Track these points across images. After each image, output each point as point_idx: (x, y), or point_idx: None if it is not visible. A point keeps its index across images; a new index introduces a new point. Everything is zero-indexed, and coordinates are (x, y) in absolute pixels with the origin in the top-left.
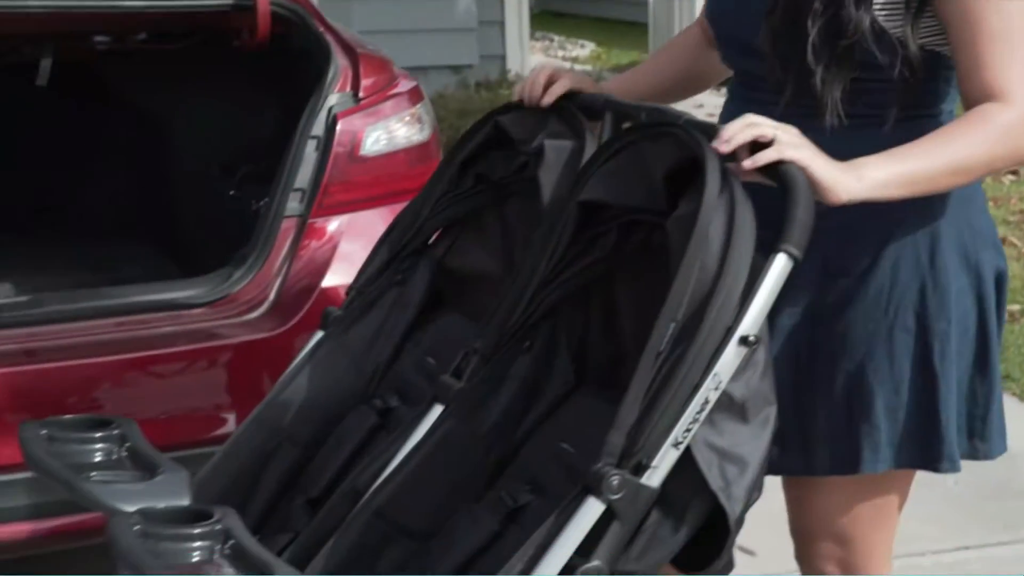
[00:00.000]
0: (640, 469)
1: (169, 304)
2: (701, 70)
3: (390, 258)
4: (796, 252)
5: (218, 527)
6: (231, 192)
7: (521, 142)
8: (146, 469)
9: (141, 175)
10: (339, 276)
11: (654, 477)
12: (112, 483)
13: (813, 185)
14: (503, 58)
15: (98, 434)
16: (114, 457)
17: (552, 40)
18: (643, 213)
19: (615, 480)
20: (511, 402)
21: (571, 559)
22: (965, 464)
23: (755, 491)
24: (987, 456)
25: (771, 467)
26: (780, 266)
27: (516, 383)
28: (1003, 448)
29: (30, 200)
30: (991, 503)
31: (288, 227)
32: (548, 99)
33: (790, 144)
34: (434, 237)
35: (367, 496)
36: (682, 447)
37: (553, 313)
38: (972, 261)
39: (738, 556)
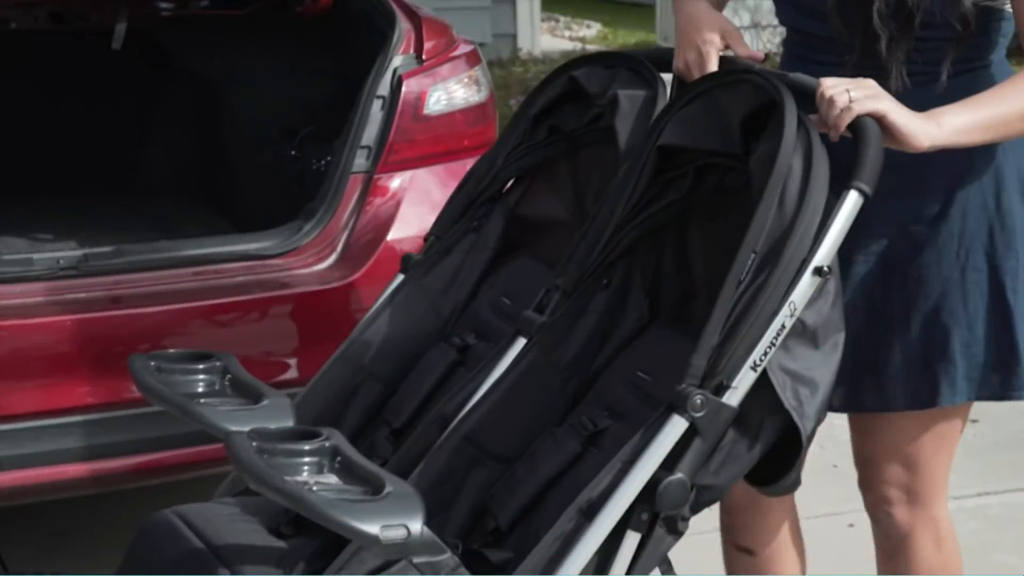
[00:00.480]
0: (721, 389)
1: (243, 255)
2: None
3: (466, 206)
4: (867, 189)
5: (327, 444)
6: (292, 153)
7: (596, 96)
8: (249, 396)
9: (202, 138)
10: (403, 229)
11: (734, 397)
12: (223, 408)
13: (895, 133)
14: (514, 36)
15: (202, 366)
16: (217, 387)
17: (558, 20)
18: (719, 156)
19: (698, 399)
20: (590, 335)
21: (655, 473)
22: (982, 416)
23: (823, 412)
24: None
25: (846, 405)
26: (852, 202)
27: (595, 317)
28: None
29: (97, 161)
30: (1008, 453)
31: (355, 183)
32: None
33: (868, 97)
34: (508, 186)
35: (455, 423)
36: (759, 369)
37: (630, 252)
38: None
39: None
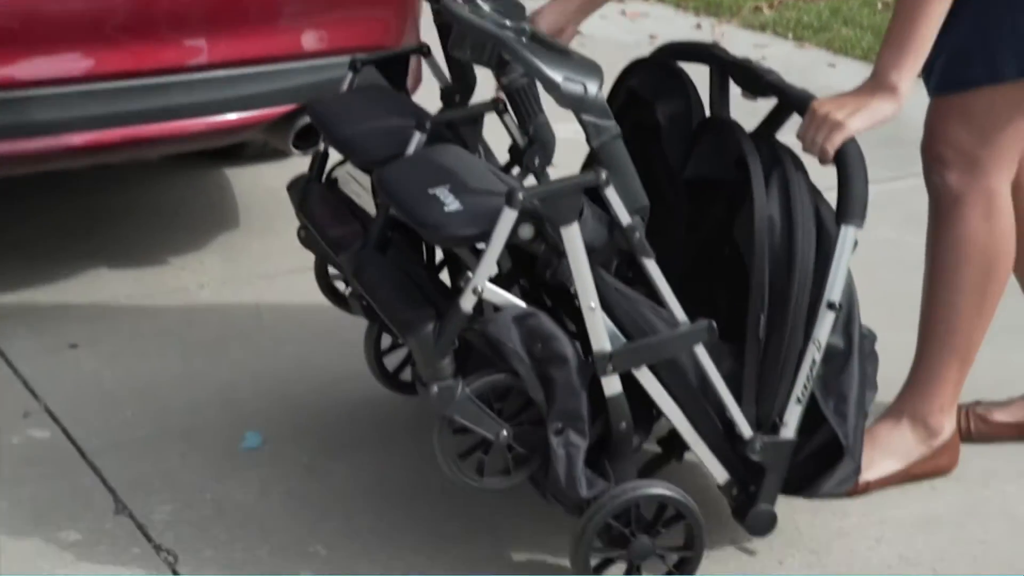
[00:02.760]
0: (776, 428)
1: None
2: None
3: None
4: (860, 224)
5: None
6: None
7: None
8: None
9: None
10: None
11: (789, 431)
12: (537, 54)
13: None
14: None
15: (508, 22)
16: (524, 40)
17: None
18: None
19: (758, 444)
20: None
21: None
22: None
23: (861, 416)
24: None
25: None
26: (850, 239)
27: None
28: None
29: None
30: (884, 150)
31: None
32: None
33: (835, 129)
34: None
35: None
36: (804, 401)
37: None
38: None
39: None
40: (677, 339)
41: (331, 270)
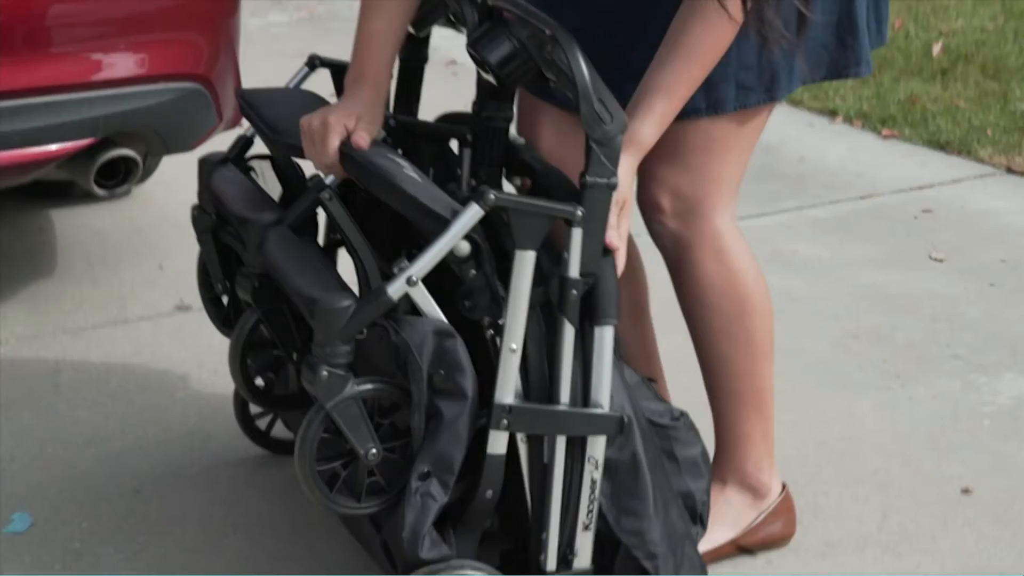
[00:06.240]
0: (568, 562)
1: None
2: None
3: None
4: (615, 321)
5: None
6: None
7: None
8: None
9: None
10: None
11: (583, 560)
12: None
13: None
14: None
15: None
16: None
17: None
18: None
19: None
20: None
21: None
22: None
23: (667, 522)
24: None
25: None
26: (609, 337)
27: None
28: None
29: None
30: (753, 185)
31: None
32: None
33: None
34: None
35: None
36: (592, 527)
37: None
38: None
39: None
40: (586, 419)
41: (252, 408)
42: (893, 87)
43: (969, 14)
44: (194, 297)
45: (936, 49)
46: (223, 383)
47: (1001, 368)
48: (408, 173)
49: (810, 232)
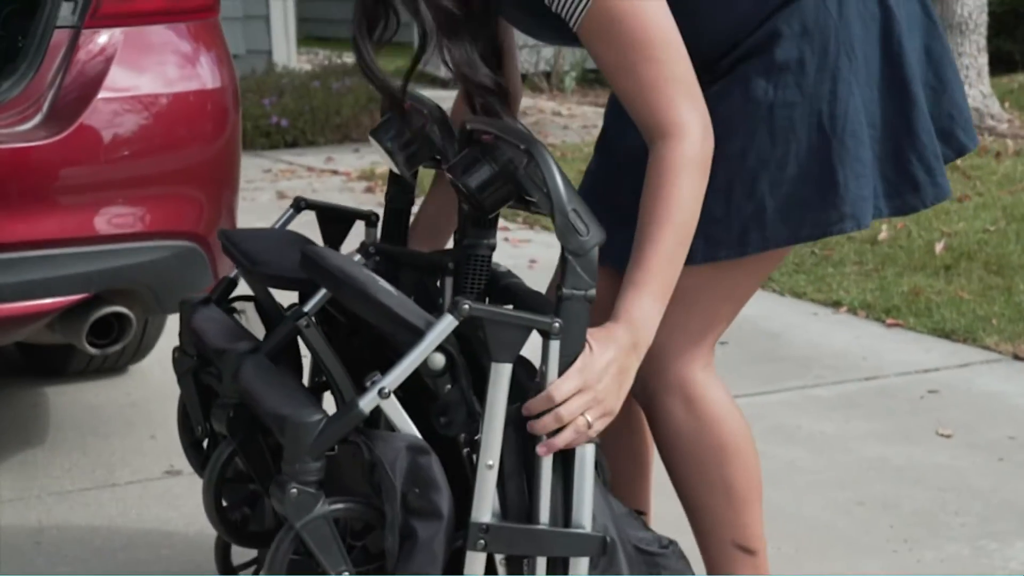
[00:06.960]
0: None
1: None
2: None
3: None
4: (596, 440)
5: None
6: None
7: None
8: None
9: None
10: (114, 89)
11: None
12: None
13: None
14: (269, 53)
15: None
16: None
17: (318, 53)
18: None
19: None
20: None
21: None
22: (734, 337)
23: None
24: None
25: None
26: (590, 455)
27: None
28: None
29: None
30: (754, 366)
31: (60, 39)
32: None
33: (603, 416)
34: None
35: None
36: None
37: None
38: None
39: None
40: (567, 539)
41: (235, 552)
42: (896, 280)
43: (971, 217)
44: (185, 462)
45: (939, 247)
46: (211, 542)
47: (1012, 536)
48: (383, 285)
49: (814, 408)
